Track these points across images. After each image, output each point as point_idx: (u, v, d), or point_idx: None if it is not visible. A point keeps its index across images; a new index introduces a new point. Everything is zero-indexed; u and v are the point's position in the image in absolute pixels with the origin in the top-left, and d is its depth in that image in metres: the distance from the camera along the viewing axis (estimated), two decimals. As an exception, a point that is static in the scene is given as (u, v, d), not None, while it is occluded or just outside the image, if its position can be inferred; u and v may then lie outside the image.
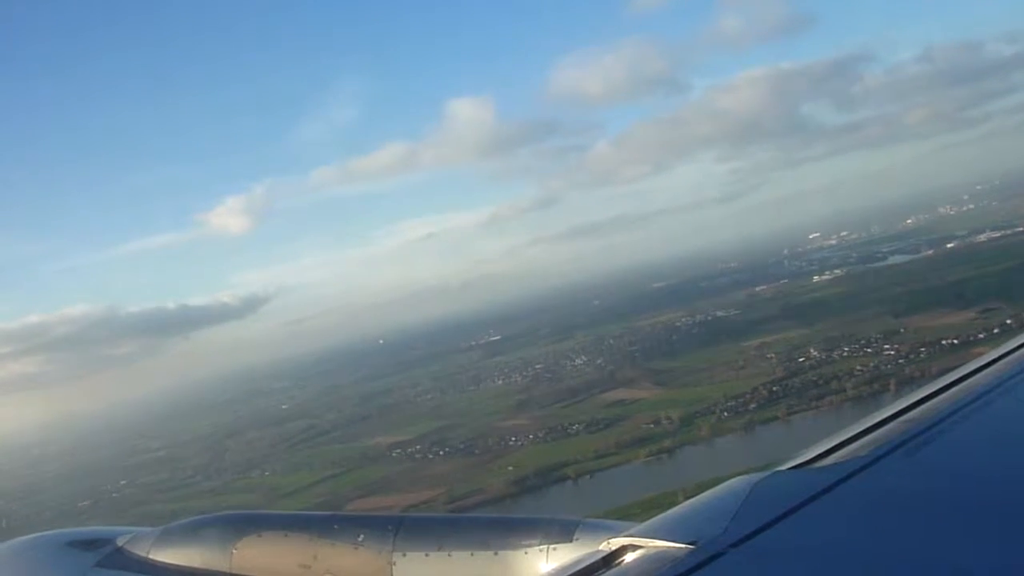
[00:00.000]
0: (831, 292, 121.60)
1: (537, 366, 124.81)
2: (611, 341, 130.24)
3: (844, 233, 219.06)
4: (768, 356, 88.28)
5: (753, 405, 71.41)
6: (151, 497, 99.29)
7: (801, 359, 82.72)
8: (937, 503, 3.14)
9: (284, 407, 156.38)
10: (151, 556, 4.85)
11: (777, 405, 68.08)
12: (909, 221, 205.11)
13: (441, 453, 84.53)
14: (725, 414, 70.43)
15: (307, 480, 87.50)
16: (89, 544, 5.07)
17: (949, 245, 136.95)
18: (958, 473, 3.47)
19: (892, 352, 76.40)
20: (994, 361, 5.03)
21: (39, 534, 5.36)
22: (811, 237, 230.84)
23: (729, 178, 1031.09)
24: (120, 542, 4.99)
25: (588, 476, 64.94)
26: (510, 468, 71.63)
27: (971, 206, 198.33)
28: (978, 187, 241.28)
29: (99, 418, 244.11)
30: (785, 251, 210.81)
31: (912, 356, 72.97)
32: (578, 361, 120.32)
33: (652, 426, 73.94)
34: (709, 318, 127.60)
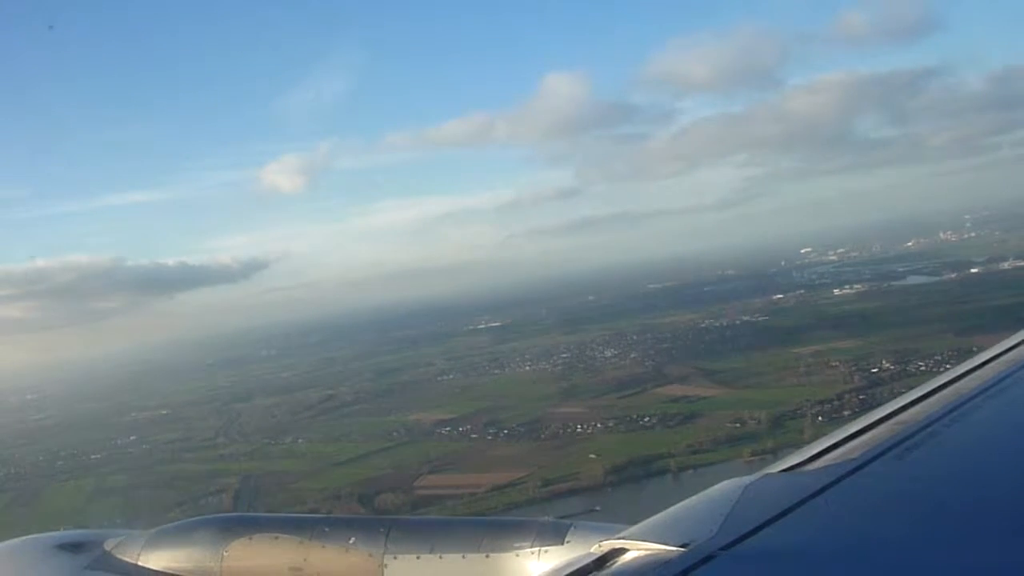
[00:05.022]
0: (862, 306, 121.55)
1: (563, 355, 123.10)
2: (634, 337, 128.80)
3: (841, 250, 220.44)
4: (832, 364, 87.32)
5: (847, 412, 70.07)
6: (177, 456, 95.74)
7: (874, 370, 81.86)
8: (928, 505, 3.23)
9: (285, 375, 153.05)
10: (141, 558, 4.92)
11: (875, 413, 66.74)
12: (910, 243, 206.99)
13: (501, 435, 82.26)
14: (820, 418, 69.13)
15: (357, 450, 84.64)
16: (78, 547, 5.12)
17: (973, 270, 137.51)
18: (950, 475, 3.57)
19: (979, 370, 75.73)
20: (985, 363, 5.24)
21: (28, 537, 5.39)
22: (803, 251, 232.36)
23: (739, 185, 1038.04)
24: (109, 545, 5.08)
25: (691, 471, 63.09)
26: (592, 456, 69.54)
27: (972, 234, 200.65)
28: (966, 216, 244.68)
29: (77, 370, 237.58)
30: (782, 263, 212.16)
31: (1006, 375, 72.26)
32: (608, 354, 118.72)
33: (737, 425, 72.46)
34: (737, 322, 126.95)
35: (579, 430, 79.09)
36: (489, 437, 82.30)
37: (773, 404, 76.06)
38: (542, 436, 79.33)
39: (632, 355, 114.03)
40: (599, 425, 79.34)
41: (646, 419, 78.91)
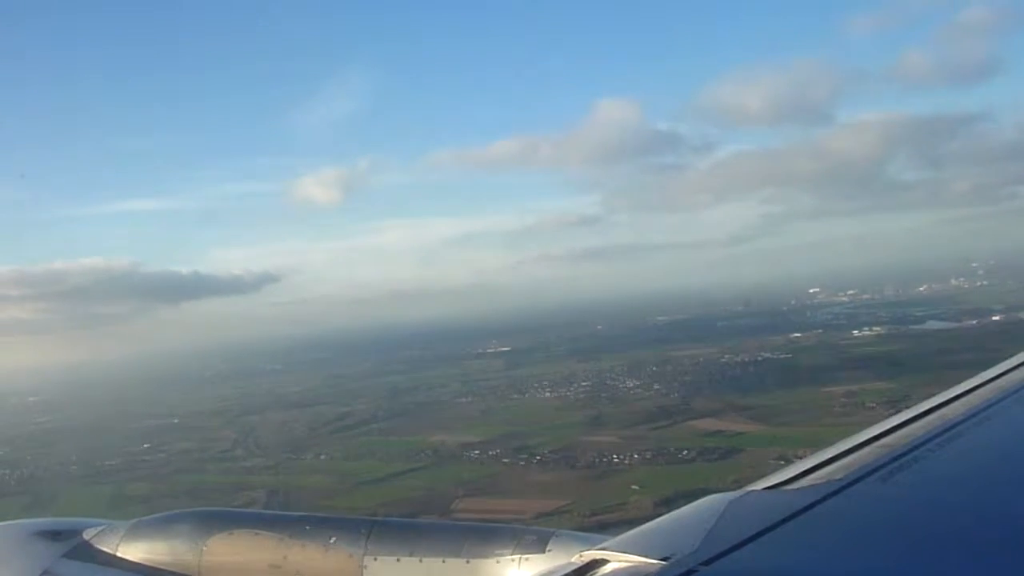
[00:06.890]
0: (886, 349, 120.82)
1: (584, 383, 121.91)
2: (654, 368, 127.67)
3: (852, 291, 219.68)
4: (868, 405, 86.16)
5: (896, 454, 69.40)
6: (196, 466, 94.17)
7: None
8: (910, 529, 3.22)
9: (295, 390, 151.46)
10: (120, 549, 4.85)
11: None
12: (922, 288, 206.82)
13: (533, 461, 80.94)
14: (869, 459, 68.39)
15: (384, 470, 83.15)
16: (56, 535, 5.03)
17: (995, 318, 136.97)
18: (933, 500, 3.57)
19: (1025, 417, 74.96)
20: (971, 390, 5.25)
21: (5, 522, 5.31)
22: (812, 291, 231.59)
23: (753, 221, 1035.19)
24: (88, 534, 5.00)
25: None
26: (634, 487, 68.40)
27: (985, 282, 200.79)
28: (975, 263, 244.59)
29: (79, 375, 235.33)
30: (792, 301, 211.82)
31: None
32: (630, 384, 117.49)
33: (781, 462, 71.16)
34: (759, 358, 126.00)
35: (615, 460, 77.82)
36: (521, 463, 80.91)
37: (814, 442, 74.37)
38: (577, 464, 77.96)
39: (656, 386, 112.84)
40: (636, 456, 78.04)
41: (684, 452, 77.75)
